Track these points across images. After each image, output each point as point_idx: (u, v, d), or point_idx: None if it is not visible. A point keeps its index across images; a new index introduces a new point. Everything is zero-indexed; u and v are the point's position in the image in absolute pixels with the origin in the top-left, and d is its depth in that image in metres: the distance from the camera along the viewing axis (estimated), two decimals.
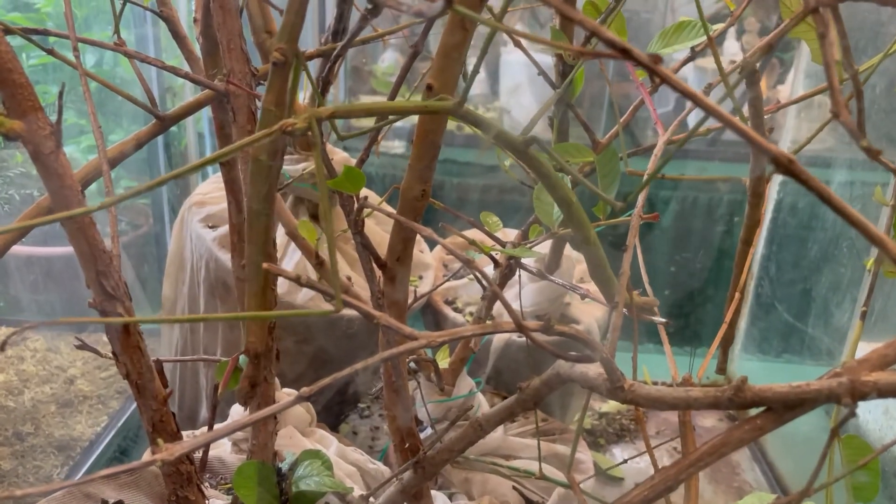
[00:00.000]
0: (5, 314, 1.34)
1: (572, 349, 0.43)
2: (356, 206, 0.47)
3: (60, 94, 0.41)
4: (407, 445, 0.53)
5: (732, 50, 1.99)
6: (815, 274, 1.05)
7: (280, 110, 0.38)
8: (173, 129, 1.29)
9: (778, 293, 1.12)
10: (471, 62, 0.43)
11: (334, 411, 1.05)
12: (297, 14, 0.39)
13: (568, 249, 0.91)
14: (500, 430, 0.83)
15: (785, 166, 0.27)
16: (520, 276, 0.75)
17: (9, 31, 0.46)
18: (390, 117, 0.43)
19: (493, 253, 0.61)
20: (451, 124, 1.93)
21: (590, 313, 0.97)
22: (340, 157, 0.92)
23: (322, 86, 0.55)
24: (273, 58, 0.39)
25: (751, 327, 1.26)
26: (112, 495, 0.64)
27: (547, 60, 0.77)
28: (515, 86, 1.90)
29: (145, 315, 1.21)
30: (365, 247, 0.49)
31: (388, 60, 2.01)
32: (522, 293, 0.94)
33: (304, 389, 0.37)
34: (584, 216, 0.44)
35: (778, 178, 1.23)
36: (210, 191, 0.93)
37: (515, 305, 0.94)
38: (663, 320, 0.51)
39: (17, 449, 1.05)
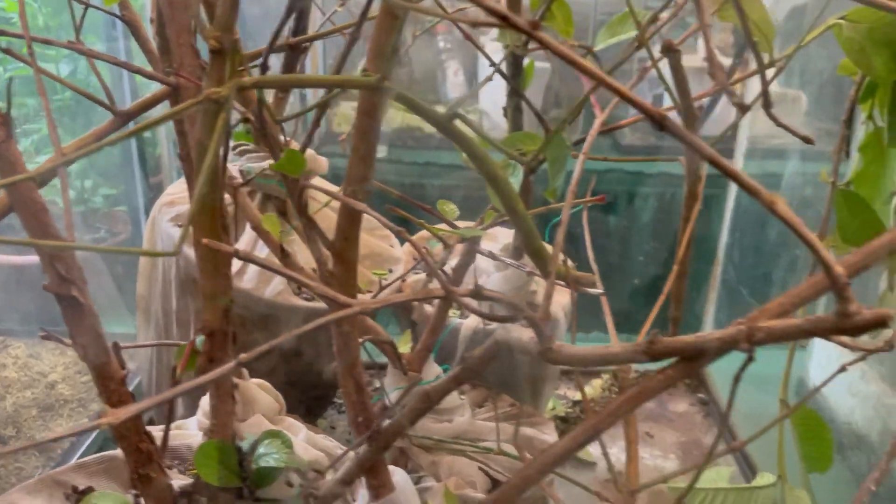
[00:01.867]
0: None
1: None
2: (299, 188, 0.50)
3: (9, 85, 0.43)
4: (361, 419, 0.55)
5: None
6: (774, 258, 1.07)
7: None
8: (147, 135, 1.31)
9: (742, 278, 1.15)
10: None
11: (311, 407, 1.07)
12: (231, 5, 0.41)
13: None
14: (467, 414, 0.85)
15: (659, 122, 0.30)
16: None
17: None
18: (325, 95, 0.45)
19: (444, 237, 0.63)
20: (431, 128, 1.96)
21: (556, 301, 0.99)
22: (309, 153, 0.95)
23: (262, 71, 0.57)
24: (210, 45, 0.41)
25: (718, 313, 1.28)
26: (83, 482, 0.66)
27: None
28: (473, 88, 1.93)
29: (123, 318, 1.23)
30: (312, 228, 0.51)
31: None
32: (489, 282, 0.96)
33: (243, 356, 0.39)
34: (510, 188, 0.46)
35: (738, 166, 1.26)
36: (179, 191, 0.96)
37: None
38: (600, 291, 0.54)
39: None
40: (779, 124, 0.49)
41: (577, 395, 1.20)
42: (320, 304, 0.89)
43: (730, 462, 1.15)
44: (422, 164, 1.87)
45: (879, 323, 0.33)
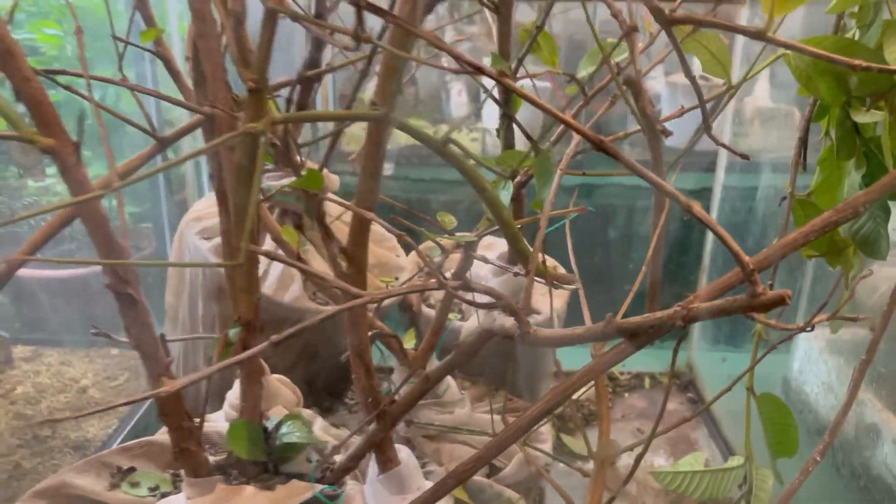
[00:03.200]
0: (21, 334, 1.45)
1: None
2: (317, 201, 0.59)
3: (80, 121, 0.52)
4: (370, 400, 0.64)
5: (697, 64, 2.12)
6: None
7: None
8: (171, 155, 1.41)
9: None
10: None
11: (322, 405, 1.15)
12: (265, 51, 0.50)
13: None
14: (467, 407, 0.94)
15: (596, 144, 0.38)
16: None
17: (37, 72, 0.57)
18: (338, 125, 0.54)
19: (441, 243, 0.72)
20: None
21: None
22: (323, 172, 1.04)
23: (297, 108, 0.66)
24: (248, 86, 0.51)
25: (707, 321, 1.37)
26: (126, 464, 0.74)
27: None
28: (470, 111, 2.03)
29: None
30: (328, 235, 0.60)
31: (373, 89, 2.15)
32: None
33: (274, 336, 0.48)
34: (497, 199, 0.55)
35: (720, 180, 1.35)
36: (205, 207, 1.05)
37: (481, 299, 1.05)
38: (576, 286, 0.62)
39: (37, 450, 1.15)
40: (719, 144, 0.57)
41: (576, 395, 1.28)
42: (333, 308, 0.98)
43: (713, 450, 1.23)
44: (427, 180, 1.96)
45: (779, 301, 0.42)
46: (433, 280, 0.52)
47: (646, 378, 1.38)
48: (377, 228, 0.78)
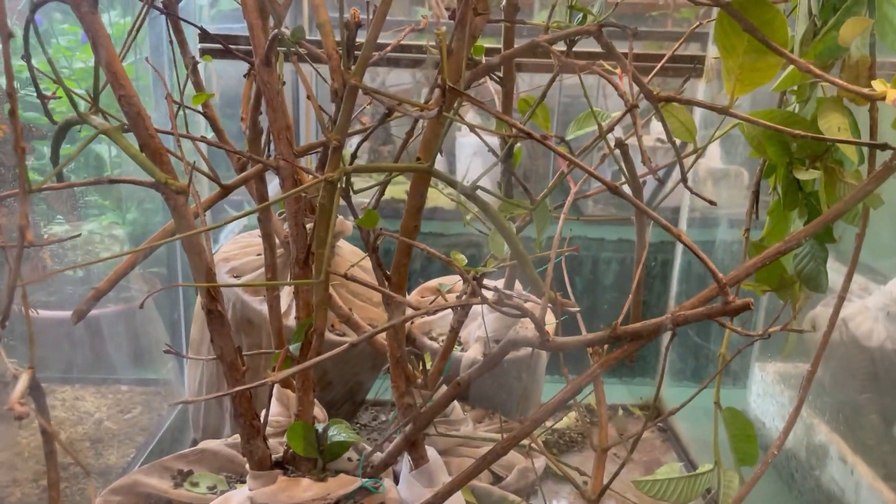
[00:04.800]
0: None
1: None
2: (373, 236, 0.72)
3: (192, 168, 0.65)
4: (407, 403, 0.76)
5: (658, 128, 2.33)
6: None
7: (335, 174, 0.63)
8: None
9: (692, 326, 1.39)
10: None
11: None
12: (347, 119, 0.64)
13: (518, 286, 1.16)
14: (470, 426, 1.06)
15: (614, 190, 0.53)
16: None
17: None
18: (387, 176, 0.68)
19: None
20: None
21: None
22: (339, 219, 1.17)
23: (351, 160, 0.80)
24: (332, 144, 0.64)
25: (673, 357, 1.52)
26: (185, 468, 0.85)
27: (494, 141, 1.03)
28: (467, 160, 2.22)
29: (166, 360, 1.42)
30: (378, 264, 0.73)
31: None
32: (486, 321, 1.18)
33: (328, 353, 0.60)
34: (514, 234, 0.69)
35: (684, 219, 1.52)
36: (231, 249, 1.17)
37: (480, 333, 1.19)
38: (576, 309, 0.76)
39: (63, 476, 1.23)
40: (692, 192, 0.72)
41: (557, 424, 1.41)
42: (348, 338, 1.10)
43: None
44: (431, 234, 2.10)
45: (745, 307, 0.56)
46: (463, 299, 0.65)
47: (619, 409, 1.51)
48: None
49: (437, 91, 0.58)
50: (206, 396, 0.70)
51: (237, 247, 1.17)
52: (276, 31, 0.71)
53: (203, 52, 1.25)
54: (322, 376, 1.12)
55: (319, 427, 0.78)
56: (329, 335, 1.10)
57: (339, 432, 0.77)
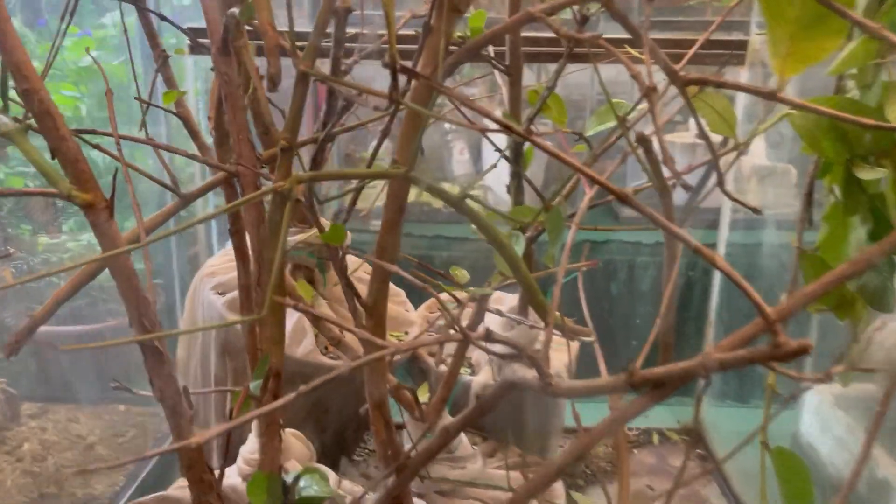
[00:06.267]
0: (29, 390, 1.45)
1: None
2: (340, 254, 0.60)
3: (114, 177, 0.54)
4: (389, 453, 0.64)
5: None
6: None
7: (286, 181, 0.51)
8: (183, 213, 1.43)
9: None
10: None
11: (330, 461, 1.15)
12: (297, 113, 0.52)
13: None
14: (479, 462, 0.94)
15: (622, 198, 0.40)
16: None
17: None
18: (359, 183, 0.56)
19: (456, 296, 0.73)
20: (438, 203, 2.10)
21: (559, 358, 1.08)
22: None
23: (313, 165, 0.68)
24: (280, 145, 0.53)
25: (715, 376, 1.38)
26: None
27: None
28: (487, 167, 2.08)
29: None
30: (350, 287, 0.61)
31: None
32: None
33: (302, 387, 0.49)
34: (514, 253, 0.56)
35: (724, 237, 1.37)
36: (219, 263, 1.06)
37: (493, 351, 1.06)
38: (591, 338, 0.63)
39: None
40: (731, 198, 0.59)
41: None
42: (343, 362, 0.99)
43: None
44: (430, 237, 1.99)
45: (803, 351, 0.43)
46: (452, 331, 0.53)
47: (654, 434, 1.37)
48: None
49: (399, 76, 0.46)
50: (160, 450, 0.58)
51: (225, 260, 1.06)
52: (232, 12, 0.59)
53: (192, 49, 1.14)
54: (315, 404, 1.00)
55: (289, 477, 0.67)
56: (322, 359, 0.98)
57: (310, 484, 0.65)
